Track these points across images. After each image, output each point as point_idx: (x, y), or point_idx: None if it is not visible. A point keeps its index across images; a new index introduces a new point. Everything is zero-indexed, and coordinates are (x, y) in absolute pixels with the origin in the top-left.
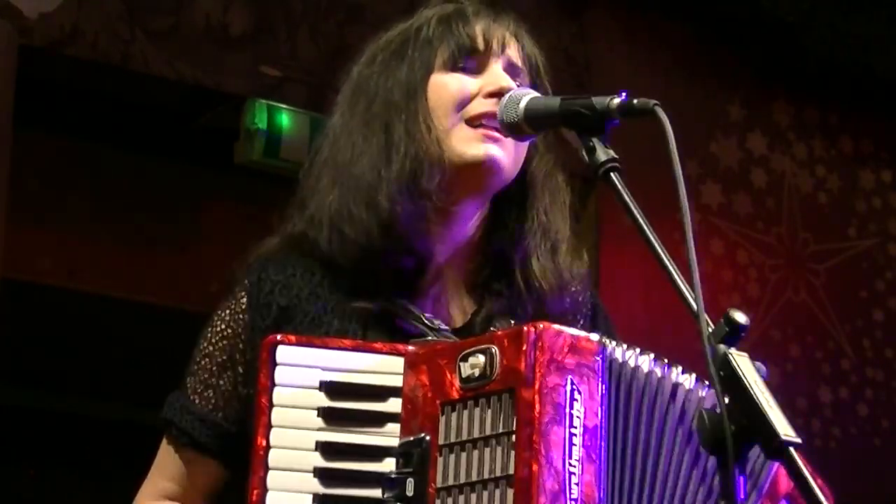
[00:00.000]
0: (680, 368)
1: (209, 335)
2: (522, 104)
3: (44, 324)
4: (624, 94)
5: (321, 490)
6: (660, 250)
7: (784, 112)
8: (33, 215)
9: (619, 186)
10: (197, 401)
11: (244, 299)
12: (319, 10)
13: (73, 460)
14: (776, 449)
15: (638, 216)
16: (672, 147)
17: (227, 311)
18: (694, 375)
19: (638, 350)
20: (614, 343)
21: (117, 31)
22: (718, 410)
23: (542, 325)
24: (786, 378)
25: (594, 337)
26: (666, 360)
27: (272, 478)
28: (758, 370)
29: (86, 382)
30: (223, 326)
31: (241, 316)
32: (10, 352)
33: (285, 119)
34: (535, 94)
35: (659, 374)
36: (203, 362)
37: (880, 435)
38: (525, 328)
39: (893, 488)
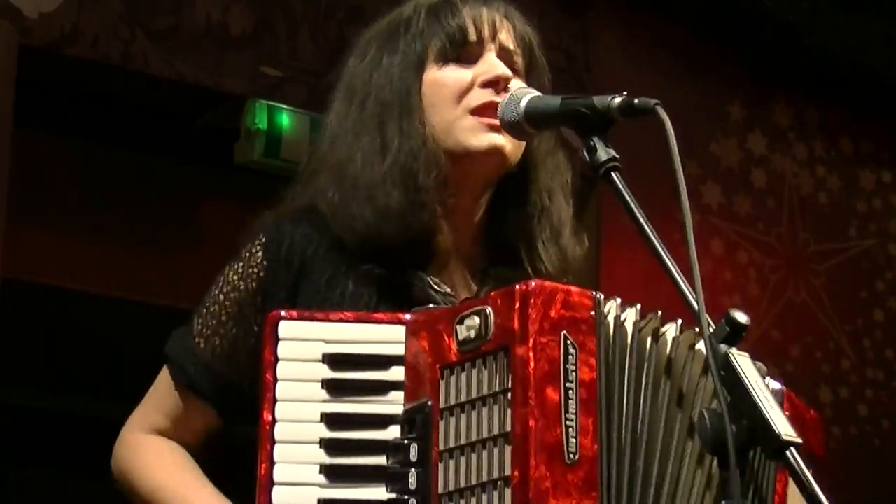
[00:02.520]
0: (680, 321)
1: (220, 283)
2: (523, 103)
3: (44, 324)
4: (625, 93)
5: (327, 460)
6: (660, 250)
7: (784, 112)
8: (33, 215)
9: (620, 186)
10: (202, 345)
11: (259, 253)
12: (319, 10)
13: (73, 460)
14: (777, 449)
15: (638, 216)
16: (673, 147)
17: (241, 264)
18: (679, 323)
19: (637, 305)
20: (610, 298)
21: (117, 31)
22: (719, 410)
23: (533, 283)
24: (786, 378)
25: (587, 291)
26: (660, 313)
27: (279, 451)
28: (758, 370)
29: (86, 382)
30: (236, 279)
31: (256, 271)
32: (10, 352)
33: (285, 119)
34: (535, 93)
35: (658, 329)
36: (213, 309)
37: (880, 435)
38: (517, 286)
39: (893, 488)
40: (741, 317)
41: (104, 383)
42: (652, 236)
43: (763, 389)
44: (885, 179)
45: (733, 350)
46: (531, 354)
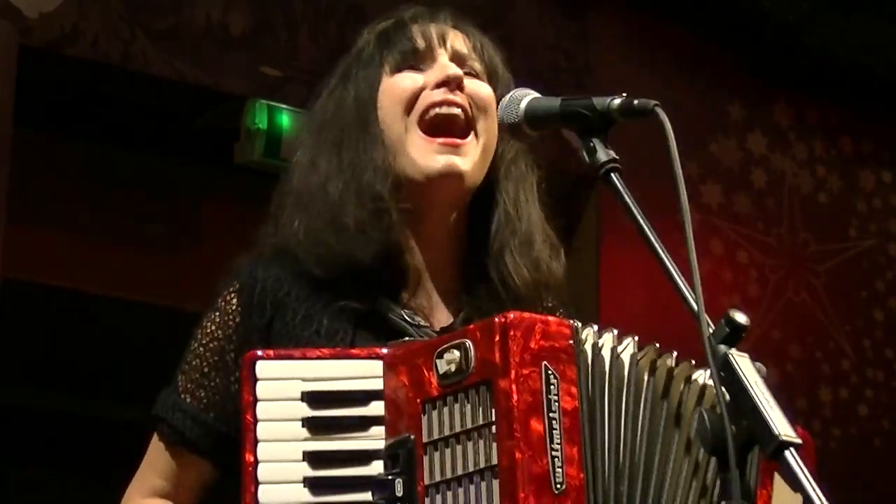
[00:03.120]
0: (657, 345)
1: (199, 336)
2: (522, 105)
3: (44, 324)
4: (624, 94)
5: (312, 499)
6: (660, 250)
7: (784, 112)
8: (33, 215)
9: (620, 187)
10: (188, 399)
11: (234, 300)
12: (319, 10)
13: (73, 460)
14: (776, 449)
15: (638, 216)
16: (672, 147)
17: (217, 313)
18: (674, 354)
19: (614, 331)
20: (587, 325)
21: (117, 31)
22: (719, 411)
23: (512, 315)
24: (786, 378)
25: (566, 320)
26: (636, 338)
27: (263, 492)
28: (758, 370)
29: (86, 382)
30: (213, 328)
31: (232, 318)
32: (10, 352)
33: (285, 119)
34: (535, 94)
35: (635, 355)
36: (195, 363)
37: (880, 435)
38: (496, 319)
39: (893, 488)
40: (741, 317)
41: (104, 383)
42: (652, 237)
43: (763, 390)
44: (885, 179)
45: (733, 350)
46: (514, 387)
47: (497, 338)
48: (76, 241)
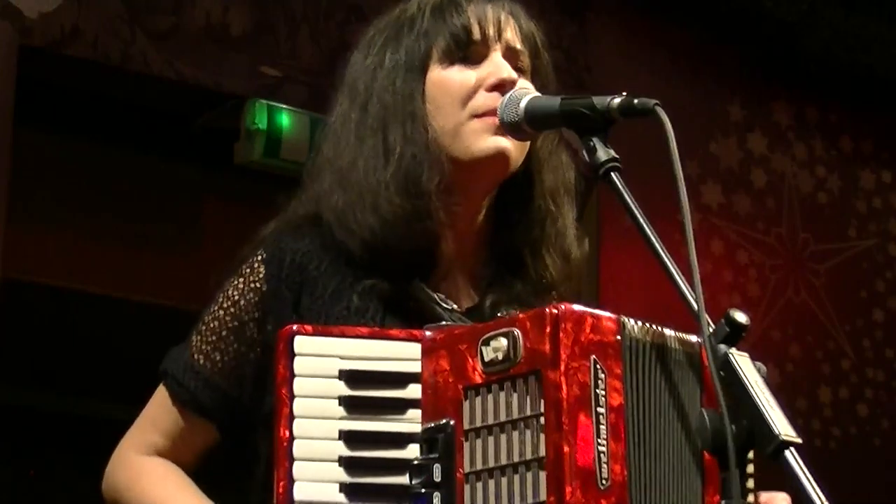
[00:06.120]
0: (690, 338)
1: (220, 300)
2: (522, 104)
3: (44, 324)
4: (624, 93)
5: (347, 479)
6: (660, 250)
7: (784, 112)
8: (33, 215)
9: (620, 186)
10: (202, 361)
11: (262, 269)
12: (319, 10)
13: (73, 460)
14: (776, 449)
15: (638, 216)
16: (672, 147)
17: (241, 280)
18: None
19: (650, 325)
20: (630, 320)
21: (117, 31)
22: (719, 411)
23: (563, 307)
24: (786, 378)
25: (613, 315)
26: (670, 331)
27: (298, 468)
28: (758, 370)
29: (86, 382)
30: (237, 295)
31: (259, 285)
32: (10, 352)
33: (285, 119)
34: (535, 93)
35: (657, 346)
36: (213, 325)
37: (880, 435)
38: (547, 310)
39: (893, 488)
40: (741, 317)
41: (104, 383)
42: (652, 236)
43: (763, 389)
44: (885, 179)
45: (733, 350)
46: (563, 379)
47: (548, 329)
48: (76, 241)
